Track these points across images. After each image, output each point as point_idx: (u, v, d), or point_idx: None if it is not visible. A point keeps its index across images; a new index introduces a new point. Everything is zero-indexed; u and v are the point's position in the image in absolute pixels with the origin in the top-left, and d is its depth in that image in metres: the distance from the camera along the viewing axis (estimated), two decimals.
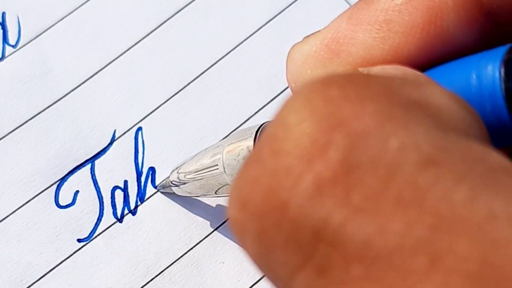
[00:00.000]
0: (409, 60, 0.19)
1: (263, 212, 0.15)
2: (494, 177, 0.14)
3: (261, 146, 0.15)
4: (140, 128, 0.34)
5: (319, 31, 0.20)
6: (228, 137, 0.29)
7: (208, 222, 0.32)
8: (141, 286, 0.31)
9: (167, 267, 0.32)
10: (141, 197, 0.33)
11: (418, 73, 0.18)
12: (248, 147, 0.27)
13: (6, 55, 0.35)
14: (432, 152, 0.14)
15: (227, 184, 0.29)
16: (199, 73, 0.35)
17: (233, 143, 0.28)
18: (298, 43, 0.21)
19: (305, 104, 0.15)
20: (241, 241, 0.16)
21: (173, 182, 0.31)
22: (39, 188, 0.32)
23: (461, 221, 0.13)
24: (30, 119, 0.34)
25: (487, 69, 0.17)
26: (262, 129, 0.27)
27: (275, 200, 0.15)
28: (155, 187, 0.33)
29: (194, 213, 0.32)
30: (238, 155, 0.27)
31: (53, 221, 0.32)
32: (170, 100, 0.34)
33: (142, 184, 0.33)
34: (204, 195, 0.31)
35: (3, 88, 0.34)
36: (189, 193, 0.31)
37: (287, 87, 0.34)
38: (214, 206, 0.33)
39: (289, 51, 0.21)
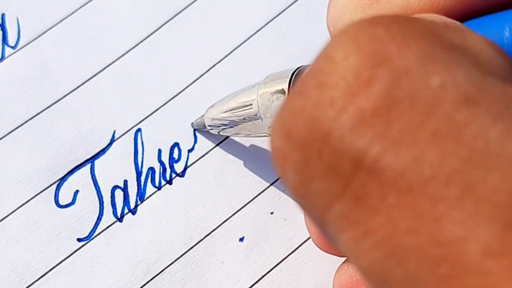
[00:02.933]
0: (445, 11, 0.19)
1: (305, 141, 0.16)
2: None
3: (306, 79, 0.16)
4: (139, 130, 0.34)
5: None
6: (264, 79, 0.29)
7: (207, 222, 0.32)
8: (141, 285, 0.31)
9: (167, 267, 0.32)
10: (141, 196, 0.33)
11: (457, 22, 0.18)
12: (283, 89, 0.28)
13: (6, 56, 0.35)
14: (471, 91, 0.15)
15: (261, 124, 0.29)
16: (198, 75, 0.35)
17: (268, 84, 0.29)
18: None
19: (351, 41, 0.16)
20: (281, 171, 0.17)
21: (207, 120, 0.32)
22: (39, 188, 0.32)
23: (495, 156, 0.14)
24: (30, 119, 0.34)
25: None
26: (297, 72, 0.28)
27: (318, 130, 0.15)
28: (193, 126, 0.33)
29: (194, 213, 0.32)
30: (273, 96, 0.28)
31: (53, 220, 0.32)
32: (169, 102, 0.34)
33: (142, 183, 0.33)
34: (237, 134, 0.31)
35: (2, 88, 0.34)
36: (223, 131, 0.32)
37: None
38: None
39: None
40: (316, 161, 0.15)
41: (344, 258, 0.29)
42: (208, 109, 0.32)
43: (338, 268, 0.28)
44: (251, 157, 0.33)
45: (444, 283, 0.14)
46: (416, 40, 0.15)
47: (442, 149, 0.14)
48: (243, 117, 0.30)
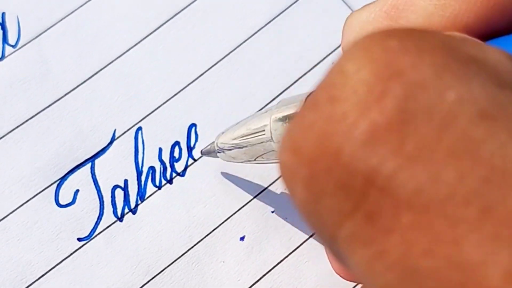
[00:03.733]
0: (467, 29, 0.19)
1: (315, 157, 0.15)
2: None
3: (317, 93, 0.16)
4: (140, 128, 0.34)
5: None
6: (276, 103, 0.29)
7: (210, 220, 0.32)
8: (141, 285, 0.31)
9: (168, 266, 0.32)
10: (141, 196, 0.33)
11: (475, 39, 0.18)
12: (296, 114, 0.27)
13: (6, 55, 0.35)
14: (488, 106, 0.14)
15: (273, 150, 0.28)
16: (199, 75, 0.35)
17: (281, 109, 0.28)
18: (357, 10, 0.21)
19: (364, 53, 0.15)
20: (290, 187, 0.16)
21: (218, 147, 0.31)
22: (39, 187, 0.32)
23: None
24: (30, 118, 0.34)
25: None
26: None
27: (328, 145, 0.15)
28: (203, 153, 0.33)
29: (194, 212, 0.32)
30: (286, 121, 0.27)
31: (53, 220, 0.32)
32: (170, 100, 0.34)
33: (143, 183, 0.33)
34: (249, 161, 0.30)
35: (3, 87, 0.34)
36: (234, 158, 0.31)
37: (285, 89, 0.34)
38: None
39: (347, 18, 0.21)
40: (326, 178, 0.15)
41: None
42: (219, 135, 0.31)
43: None
44: None
45: None
46: (431, 53, 0.15)
47: (459, 168, 0.14)
48: (255, 143, 0.29)
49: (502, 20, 0.19)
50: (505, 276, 0.13)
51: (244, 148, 0.30)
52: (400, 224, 0.14)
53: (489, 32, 0.19)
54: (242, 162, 0.31)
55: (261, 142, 0.29)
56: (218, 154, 0.32)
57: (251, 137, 0.29)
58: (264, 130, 0.28)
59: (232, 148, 0.30)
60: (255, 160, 0.30)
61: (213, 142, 0.32)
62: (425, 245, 0.14)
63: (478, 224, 0.13)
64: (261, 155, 0.29)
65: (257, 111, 0.30)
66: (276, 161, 0.29)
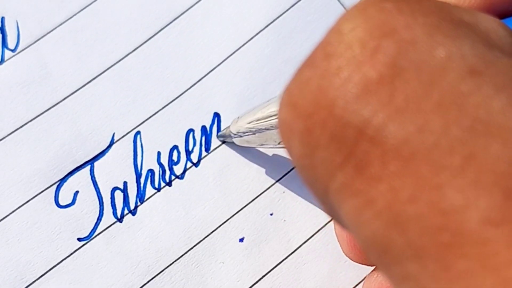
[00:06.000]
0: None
1: (311, 111, 0.16)
2: None
3: (314, 51, 0.16)
4: (138, 132, 0.34)
5: None
6: None
7: (206, 224, 0.32)
8: (141, 285, 0.31)
9: (167, 267, 0.32)
10: (140, 197, 0.33)
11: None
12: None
13: (5, 59, 0.35)
14: (476, 62, 0.15)
15: None
16: (198, 79, 0.35)
17: None
18: None
19: (360, 13, 0.16)
20: (288, 143, 0.17)
21: (233, 132, 0.32)
22: (39, 188, 0.32)
23: (497, 126, 0.14)
24: (30, 121, 0.34)
25: None
26: None
27: (323, 99, 0.16)
28: (219, 137, 0.33)
29: (194, 214, 0.32)
30: None
31: (53, 220, 0.32)
32: (169, 105, 0.34)
33: (142, 185, 0.33)
34: (263, 144, 0.31)
35: (2, 91, 0.34)
36: (248, 142, 0.32)
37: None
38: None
39: None
40: (321, 130, 0.16)
41: (373, 267, 0.29)
42: (234, 120, 0.32)
43: (367, 276, 0.28)
44: (250, 159, 0.34)
45: (444, 252, 0.14)
46: (424, 15, 0.16)
47: (445, 119, 0.14)
48: (268, 126, 0.30)
49: (502, 3, 0.19)
50: (484, 220, 0.13)
51: (258, 133, 0.30)
52: (387, 172, 0.15)
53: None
54: (256, 146, 0.32)
55: (275, 126, 0.29)
56: (233, 139, 0.32)
57: (265, 121, 0.30)
58: (277, 115, 0.29)
59: (247, 132, 0.31)
60: (269, 144, 0.30)
61: (228, 126, 0.32)
62: (410, 192, 0.14)
63: (461, 170, 0.14)
64: (275, 138, 0.30)
65: (271, 97, 0.30)
66: None
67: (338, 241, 0.30)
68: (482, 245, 0.13)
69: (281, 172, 0.33)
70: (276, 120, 0.28)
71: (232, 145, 0.34)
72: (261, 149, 0.34)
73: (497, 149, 0.14)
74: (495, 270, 0.13)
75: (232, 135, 0.32)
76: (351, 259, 0.29)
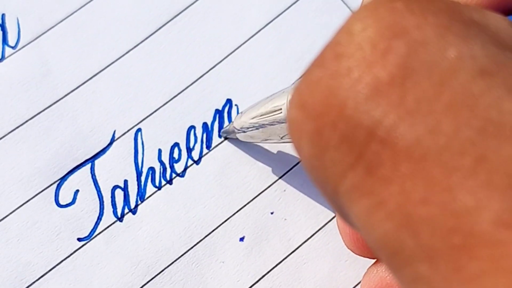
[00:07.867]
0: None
1: (321, 111, 0.16)
2: None
3: (324, 51, 0.16)
4: (139, 130, 0.34)
5: None
6: (292, 83, 0.29)
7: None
8: (141, 285, 0.31)
9: (167, 266, 0.32)
10: (141, 196, 0.33)
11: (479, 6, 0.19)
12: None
13: (6, 56, 0.35)
14: (487, 63, 0.15)
15: None
16: (198, 76, 0.35)
17: None
18: None
19: (370, 13, 0.16)
20: (297, 143, 0.17)
21: (236, 127, 0.32)
22: (39, 187, 0.32)
23: (509, 127, 0.14)
24: (30, 119, 0.34)
25: None
26: None
27: (333, 100, 0.16)
28: (222, 133, 0.33)
29: (194, 213, 0.32)
30: None
31: (53, 220, 0.32)
32: (170, 102, 0.34)
33: (142, 183, 0.33)
34: (266, 140, 0.31)
35: (3, 88, 0.34)
36: (252, 137, 0.31)
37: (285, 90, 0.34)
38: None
39: None
40: (331, 131, 0.16)
41: (373, 261, 0.29)
42: (237, 116, 0.32)
43: (366, 271, 0.28)
44: (251, 157, 0.33)
45: (456, 253, 0.14)
46: (434, 15, 0.16)
47: (456, 120, 0.14)
48: (272, 121, 0.30)
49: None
50: (495, 222, 0.13)
51: (261, 128, 0.30)
52: (399, 174, 0.14)
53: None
54: (260, 142, 0.32)
55: (279, 121, 0.29)
56: (237, 135, 0.32)
57: (269, 116, 0.30)
58: (281, 109, 0.29)
59: (251, 127, 0.31)
60: (273, 139, 0.30)
61: (232, 122, 0.32)
62: (422, 193, 0.14)
63: (473, 172, 0.14)
64: (279, 134, 0.30)
65: (274, 92, 0.30)
66: None
67: (340, 234, 0.30)
68: (494, 247, 0.13)
69: (282, 170, 0.33)
70: (280, 114, 0.29)
71: (233, 142, 0.34)
72: (262, 147, 0.34)
73: (509, 150, 0.14)
74: (507, 272, 0.13)
75: (236, 130, 0.32)
76: (353, 252, 0.29)
